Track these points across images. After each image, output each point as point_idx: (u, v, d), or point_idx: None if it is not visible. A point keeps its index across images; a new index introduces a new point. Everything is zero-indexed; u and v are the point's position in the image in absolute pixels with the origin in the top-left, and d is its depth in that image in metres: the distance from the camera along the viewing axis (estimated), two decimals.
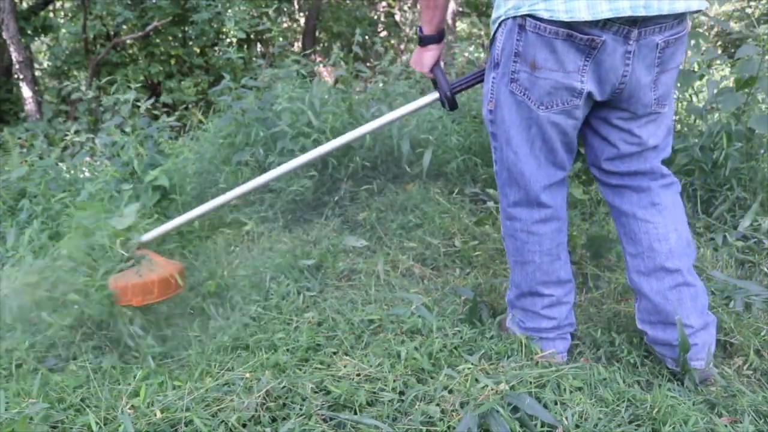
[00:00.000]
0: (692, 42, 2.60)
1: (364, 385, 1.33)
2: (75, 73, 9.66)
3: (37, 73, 9.83)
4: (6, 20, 6.70)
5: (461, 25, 13.91)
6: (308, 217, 2.58)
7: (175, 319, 1.94)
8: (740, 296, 1.79)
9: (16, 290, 2.00)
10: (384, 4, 13.03)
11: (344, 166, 2.68)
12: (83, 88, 3.86)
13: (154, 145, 3.13)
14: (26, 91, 7.27)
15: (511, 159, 1.42)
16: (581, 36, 1.23)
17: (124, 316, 1.82)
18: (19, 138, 4.28)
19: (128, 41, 9.13)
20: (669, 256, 1.42)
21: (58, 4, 10.53)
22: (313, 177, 2.63)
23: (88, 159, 3.60)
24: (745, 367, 1.52)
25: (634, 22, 1.22)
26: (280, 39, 7.62)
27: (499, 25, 1.35)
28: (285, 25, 11.76)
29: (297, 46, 11.49)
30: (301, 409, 1.25)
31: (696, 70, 2.70)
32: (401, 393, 1.31)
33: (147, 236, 2.09)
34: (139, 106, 3.23)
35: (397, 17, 12.85)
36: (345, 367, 1.41)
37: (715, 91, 2.57)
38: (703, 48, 2.85)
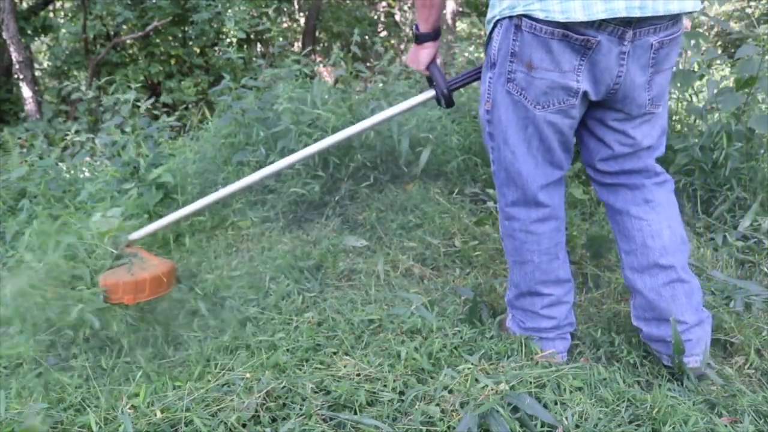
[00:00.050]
0: (692, 42, 2.60)
1: (364, 385, 1.33)
2: (75, 73, 9.67)
3: (37, 73, 9.83)
4: (6, 20, 6.70)
5: (461, 25, 13.91)
6: (308, 217, 2.58)
7: (175, 319, 1.94)
8: (740, 296, 1.79)
9: (17, 290, 2.01)
10: (384, 4, 13.04)
11: (345, 166, 2.68)
12: (83, 88, 3.86)
13: (155, 145, 3.13)
14: (26, 91, 7.28)
15: (508, 159, 1.43)
16: (577, 36, 1.23)
17: (119, 316, 1.82)
18: (19, 138, 4.28)
19: (128, 41, 9.13)
20: (663, 252, 1.43)
21: (58, 4, 10.54)
22: (320, 178, 2.63)
23: (88, 159, 3.60)
24: (745, 367, 1.52)
25: (629, 22, 1.22)
26: (280, 39, 7.63)
27: (495, 25, 1.35)
28: (285, 25, 11.76)
29: (297, 46, 11.49)
30: (301, 409, 1.25)
31: (696, 70, 2.69)
32: (401, 393, 1.31)
33: (135, 234, 2.09)
34: (138, 106, 3.23)
35: (397, 17, 12.86)
36: (345, 367, 1.41)
37: (715, 91, 2.57)
38: (703, 48, 2.85)
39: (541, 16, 1.23)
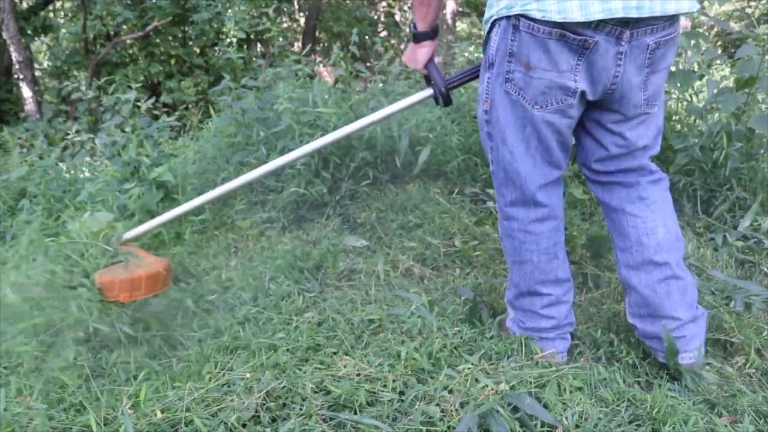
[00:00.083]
0: (692, 42, 2.60)
1: (364, 385, 1.33)
2: (75, 73, 9.67)
3: (37, 73, 9.83)
4: (6, 20, 6.70)
5: (461, 25, 13.91)
6: (308, 217, 2.58)
7: (174, 319, 1.94)
8: (740, 296, 1.79)
9: (17, 290, 2.01)
10: (384, 4, 13.04)
11: (345, 166, 2.69)
12: (83, 88, 3.86)
13: (155, 145, 3.13)
14: (26, 91, 7.28)
15: (507, 159, 1.43)
16: (574, 36, 1.23)
17: (117, 316, 1.83)
18: (19, 138, 4.28)
19: (128, 41, 9.13)
20: (657, 249, 1.44)
21: (58, 4, 10.54)
22: (321, 178, 2.63)
23: (88, 159, 3.61)
24: (745, 367, 1.52)
25: (626, 23, 1.23)
26: (280, 39, 7.63)
27: (493, 25, 1.36)
28: (285, 25, 11.76)
29: (297, 46, 11.49)
30: (301, 409, 1.25)
31: (696, 70, 2.70)
32: (401, 393, 1.31)
33: (129, 233, 2.10)
34: (139, 106, 3.24)
35: (397, 17, 12.86)
36: (345, 367, 1.41)
37: (715, 91, 2.57)
38: (703, 48, 2.85)
39: (538, 15, 1.23)
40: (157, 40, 9.12)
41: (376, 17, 12.86)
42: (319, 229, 2.44)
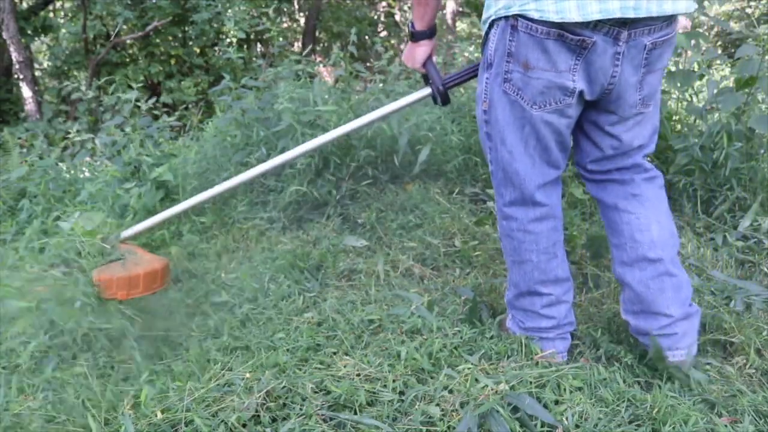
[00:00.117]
0: (692, 42, 2.60)
1: (364, 385, 1.33)
2: (75, 73, 9.67)
3: (37, 73, 9.83)
4: (6, 20, 6.70)
5: (461, 25, 13.91)
6: (309, 216, 2.59)
7: (175, 319, 1.94)
8: (740, 296, 1.79)
9: (17, 290, 2.01)
10: (384, 4, 13.04)
11: (345, 165, 2.69)
12: (83, 88, 3.86)
13: (155, 145, 3.14)
14: (26, 91, 7.28)
15: (505, 159, 1.43)
16: (572, 36, 1.24)
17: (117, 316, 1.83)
18: (19, 138, 4.28)
19: (128, 41, 9.13)
20: (651, 246, 1.44)
21: (58, 4, 10.54)
22: (322, 177, 2.63)
23: (88, 159, 3.61)
24: (745, 367, 1.52)
25: (624, 23, 1.23)
26: (280, 39, 7.63)
27: (491, 25, 1.36)
28: (285, 25, 11.76)
29: (297, 46, 11.49)
30: (301, 409, 1.25)
31: (696, 70, 2.69)
32: (401, 393, 1.31)
33: (127, 232, 2.10)
34: (139, 107, 3.24)
35: (397, 17, 12.86)
36: (345, 367, 1.41)
37: (715, 91, 2.57)
38: (703, 48, 2.85)
39: (536, 16, 1.23)
40: (157, 40, 9.12)
41: (376, 17, 12.86)
42: (319, 229, 2.44)
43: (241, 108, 2.84)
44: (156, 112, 3.48)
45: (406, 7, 12.73)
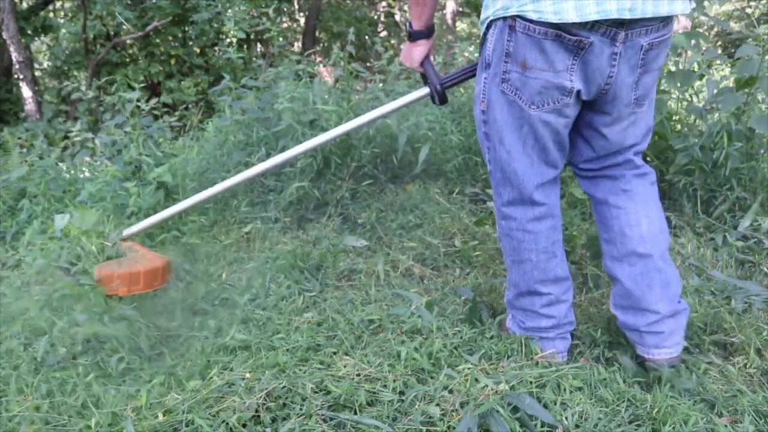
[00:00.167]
0: (692, 42, 2.60)
1: (364, 385, 1.33)
2: (75, 73, 9.66)
3: (37, 73, 9.83)
4: (6, 20, 6.70)
5: (461, 25, 13.91)
6: (309, 216, 2.59)
7: (175, 319, 1.94)
8: (740, 296, 1.79)
9: (17, 290, 2.01)
10: (384, 4, 13.04)
11: (346, 165, 2.69)
12: (83, 88, 3.86)
13: (155, 145, 3.13)
14: (26, 91, 7.27)
15: (504, 158, 1.44)
16: (569, 37, 1.25)
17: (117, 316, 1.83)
18: (19, 138, 4.28)
19: (128, 41, 9.13)
20: (640, 241, 1.46)
21: (58, 4, 10.53)
22: (323, 177, 2.63)
23: (87, 159, 3.61)
24: (746, 367, 1.52)
25: (621, 24, 1.24)
26: (280, 39, 7.63)
27: (489, 25, 1.37)
28: (285, 25, 11.76)
29: (297, 46, 11.49)
30: (301, 409, 1.25)
31: (696, 70, 2.69)
32: (401, 393, 1.31)
33: (129, 230, 2.11)
34: (139, 106, 3.24)
35: (397, 17, 12.86)
36: (345, 367, 1.41)
37: (715, 91, 2.57)
38: (703, 48, 2.85)
39: (534, 17, 1.24)
40: (157, 40, 9.12)
41: (376, 17, 12.86)
42: (320, 229, 2.44)
43: (241, 108, 2.84)
44: (156, 112, 3.48)
45: (405, 7, 12.73)
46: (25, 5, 9.43)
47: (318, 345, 1.57)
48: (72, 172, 3.32)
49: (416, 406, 1.25)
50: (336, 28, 11.61)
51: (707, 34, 4.98)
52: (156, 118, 3.50)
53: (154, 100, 3.37)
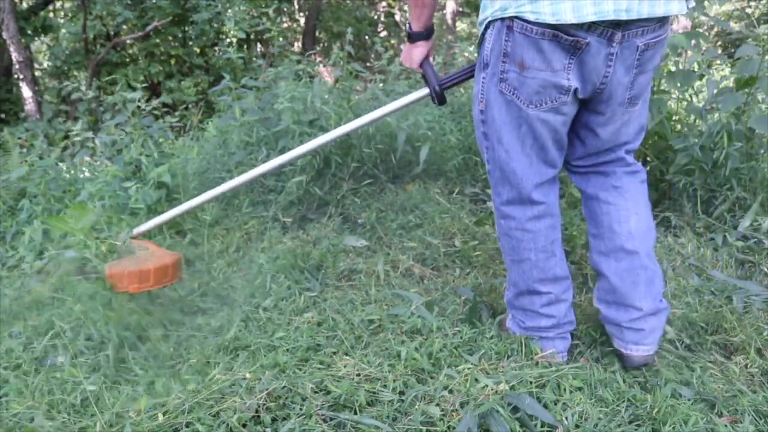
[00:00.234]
0: (692, 42, 2.60)
1: (364, 385, 1.33)
2: (75, 73, 9.66)
3: (37, 73, 9.83)
4: (6, 20, 6.70)
5: (461, 25, 13.91)
6: (309, 216, 2.59)
7: (175, 319, 1.94)
8: (740, 296, 1.79)
9: (17, 289, 2.01)
10: (384, 4, 13.04)
11: (346, 165, 2.69)
12: (83, 88, 3.86)
13: (155, 145, 3.14)
14: (26, 91, 7.27)
15: (503, 158, 1.44)
16: (566, 37, 1.26)
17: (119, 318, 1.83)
18: (19, 138, 4.28)
19: (128, 41, 9.13)
20: (628, 237, 1.48)
21: (58, 4, 10.53)
22: (323, 177, 2.63)
23: (87, 159, 3.61)
24: (746, 367, 1.52)
25: (617, 24, 1.25)
26: (280, 39, 7.62)
27: (487, 26, 1.38)
28: (285, 25, 11.75)
29: (297, 46, 11.49)
30: (301, 409, 1.25)
31: (696, 70, 2.69)
32: (401, 393, 1.31)
33: (138, 229, 2.13)
34: (139, 107, 3.24)
35: (397, 17, 12.86)
36: (345, 367, 1.41)
37: (715, 91, 2.56)
38: (703, 48, 2.84)
39: (532, 18, 1.25)
40: (157, 40, 9.12)
41: (376, 17, 12.86)
42: (320, 229, 2.44)
43: (242, 108, 2.84)
44: (156, 112, 3.49)
45: (405, 7, 12.72)
46: (25, 5, 9.43)
47: (318, 345, 1.57)
48: (72, 172, 3.32)
49: (416, 406, 1.25)
50: (336, 28, 11.61)
51: (707, 34, 4.97)
52: (156, 118, 3.50)
53: (154, 101, 3.37)
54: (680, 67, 2.69)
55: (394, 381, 1.34)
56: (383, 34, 12.68)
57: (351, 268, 2.10)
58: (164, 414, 1.25)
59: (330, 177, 2.67)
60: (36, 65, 9.97)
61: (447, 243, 2.29)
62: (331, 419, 1.23)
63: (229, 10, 8.15)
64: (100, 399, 1.40)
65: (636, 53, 1.30)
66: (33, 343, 1.71)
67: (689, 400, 1.33)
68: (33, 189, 2.98)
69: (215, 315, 1.91)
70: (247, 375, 1.39)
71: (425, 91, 1.72)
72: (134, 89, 3.24)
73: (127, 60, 9.14)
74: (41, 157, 3.44)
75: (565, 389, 1.32)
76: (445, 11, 11.90)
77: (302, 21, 12.03)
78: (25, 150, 3.78)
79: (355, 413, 1.24)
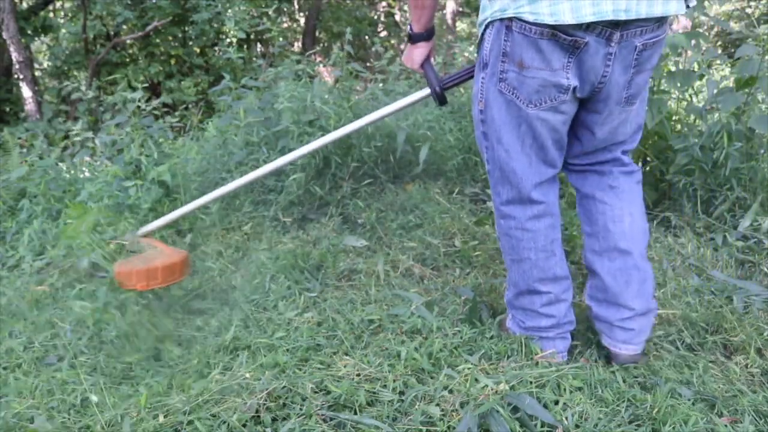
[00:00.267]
0: (692, 42, 2.60)
1: (364, 385, 1.33)
2: (75, 73, 9.66)
3: (37, 73, 9.83)
4: (6, 20, 6.69)
5: (461, 25, 13.91)
6: (309, 216, 2.59)
7: (176, 319, 1.94)
8: (740, 296, 1.79)
9: (18, 289, 2.01)
10: (384, 4, 13.04)
11: (346, 165, 2.69)
12: (83, 88, 3.86)
13: (155, 145, 3.13)
14: (26, 91, 7.27)
15: (502, 157, 1.45)
16: (565, 37, 1.26)
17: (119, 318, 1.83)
18: (19, 138, 4.27)
19: (128, 41, 9.13)
20: (622, 237, 1.49)
21: (58, 4, 10.53)
22: (323, 177, 2.63)
23: (87, 159, 3.60)
24: (746, 367, 1.52)
25: (616, 24, 1.25)
26: (280, 39, 7.63)
27: (487, 27, 1.38)
28: (285, 25, 11.75)
29: (297, 46, 11.49)
30: (301, 409, 1.25)
31: (696, 70, 2.69)
32: (401, 393, 1.31)
33: (144, 229, 2.14)
34: (140, 107, 3.24)
35: (397, 17, 12.86)
36: (345, 367, 1.41)
37: (715, 91, 2.56)
38: (703, 48, 2.84)
39: (530, 18, 1.25)
40: (157, 40, 9.12)
41: (376, 17, 12.87)
42: (320, 229, 2.44)
43: (242, 108, 2.84)
44: (156, 112, 3.49)
45: (405, 7, 12.73)
46: (25, 5, 9.43)
47: (318, 345, 1.57)
48: (72, 172, 3.32)
49: (416, 406, 1.25)
50: (336, 28, 11.61)
51: (707, 34, 4.98)
52: (156, 118, 3.50)
53: (154, 101, 3.37)
54: (680, 67, 2.69)
55: (394, 381, 1.34)
56: (383, 34, 12.68)
57: (351, 268, 2.10)
58: (164, 414, 1.25)
59: (330, 177, 2.67)
60: (36, 65, 9.97)
61: (447, 243, 2.29)
62: (331, 419, 1.23)
63: (229, 10, 8.15)
64: (102, 399, 1.40)
65: (634, 53, 1.31)
66: (33, 343, 1.72)
67: (689, 400, 1.33)
68: (33, 189, 2.98)
69: (215, 315, 1.91)
70: (247, 375, 1.39)
71: (426, 91, 1.73)
72: (134, 89, 3.24)
73: (127, 60, 9.14)
74: (41, 157, 3.44)
75: (565, 389, 1.32)
76: (445, 11, 11.91)
77: (302, 21, 12.03)
78: (25, 150, 3.78)
79: (355, 413, 1.24)
